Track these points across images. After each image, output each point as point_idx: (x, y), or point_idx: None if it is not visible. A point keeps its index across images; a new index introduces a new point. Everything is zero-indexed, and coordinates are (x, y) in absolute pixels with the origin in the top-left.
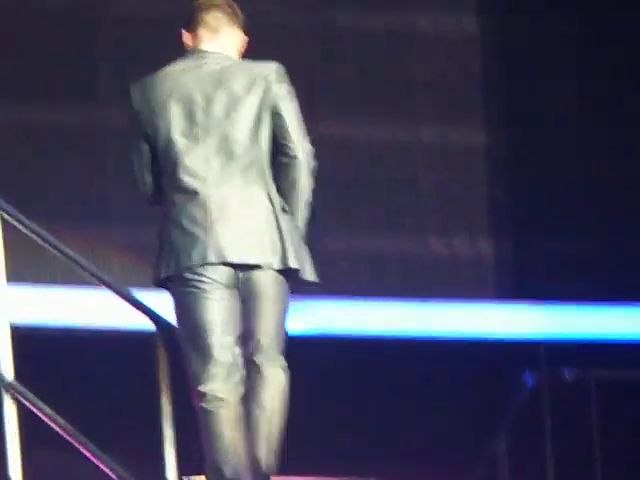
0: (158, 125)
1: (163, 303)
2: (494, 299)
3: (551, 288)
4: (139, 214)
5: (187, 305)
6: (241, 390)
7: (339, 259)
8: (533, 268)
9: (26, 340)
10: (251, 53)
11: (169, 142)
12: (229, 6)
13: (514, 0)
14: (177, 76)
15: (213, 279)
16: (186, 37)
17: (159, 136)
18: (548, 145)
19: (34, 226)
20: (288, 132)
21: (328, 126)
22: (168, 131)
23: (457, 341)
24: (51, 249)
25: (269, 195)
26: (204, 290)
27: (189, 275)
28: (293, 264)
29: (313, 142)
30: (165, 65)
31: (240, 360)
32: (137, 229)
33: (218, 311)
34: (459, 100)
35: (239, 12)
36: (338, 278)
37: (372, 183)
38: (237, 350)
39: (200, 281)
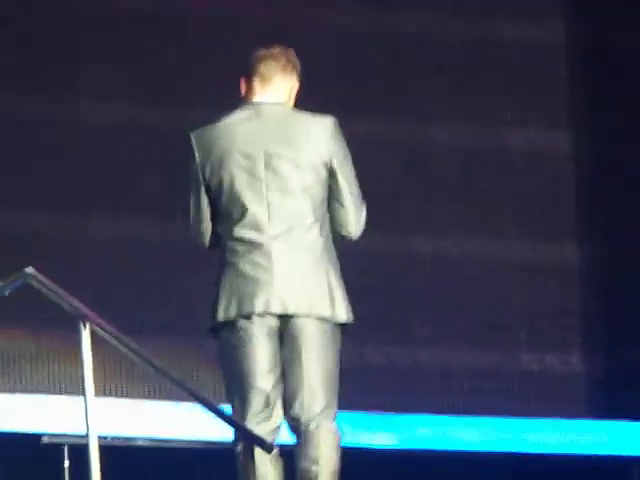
0: (222, 177)
1: None
2: (586, 416)
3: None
4: None
5: (236, 351)
6: (274, 437)
7: (430, 375)
8: (627, 384)
9: (116, 452)
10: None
11: (232, 195)
12: (284, 55)
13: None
14: (238, 128)
15: (267, 327)
16: (242, 86)
17: (222, 188)
18: None
19: (125, 339)
20: (342, 197)
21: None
22: (232, 184)
23: (551, 457)
24: (142, 363)
25: (324, 246)
26: (255, 336)
27: (246, 322)
28: (343, 315)
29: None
30: None
31: (278, 408)
32: None
33: (263, 358)
34: (551, 215)
35: (295, 61)
36: (430, 394)
37: (461, 298)
38: (275, 397)
39: (253, 328)
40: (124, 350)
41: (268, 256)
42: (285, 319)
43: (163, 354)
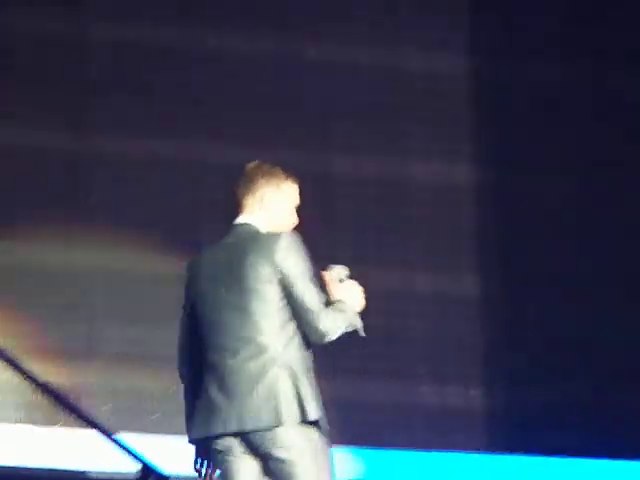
0: (195, 302)
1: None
2: (485, 450)
3: (539, 440)
4: None
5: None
6: None
7: (327, 408)
8: (525, 418)
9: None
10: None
11: (202, 318)
12: (250, 174)
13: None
14: (214, 253)
15: (233, 447)
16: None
17: (196, 312)
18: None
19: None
20: (302, 308)
21: None
22: (201, 308)
23: None
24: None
25: (287, 354)
26: (226, 460)
27: (212, 443)
28: (313, 416)
29: None
30: None
31: None
32: None
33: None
34: (453, 247)
35: (261, 175)
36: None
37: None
38: None
39: (221, 450)
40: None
41: (226, 377)
42: (255, 435)
43: None
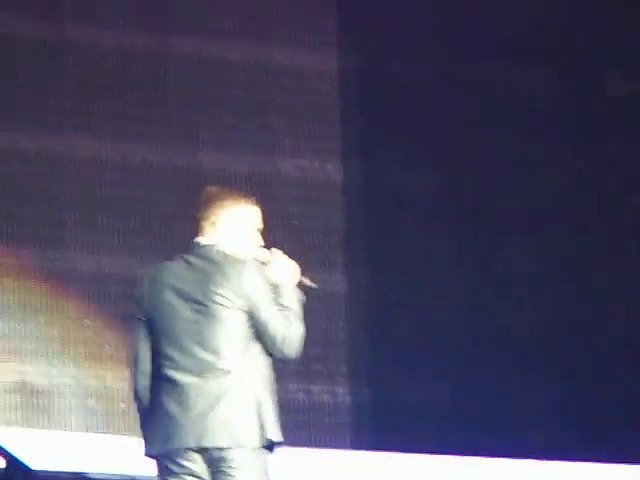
0: (155, 314)
1: None
2: (352, 448)
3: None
4: None
5: None
6: None
7: None
8: (392, 415)
9: None
10: None
11: (160, 331)
12: (205, 199)
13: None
14: (178, 268)
15: (189, 465)
16: None
17: (153, 325)
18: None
19: None
20: (267, 338)
21: None
22: (162, 321)
23: None
24: None
25: (244, 372)
26: (181, 476)
27: (167, 460)
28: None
29: None
30: None
31: None
32: None
33: None
34: (320, 243)
35: (214, 199)
36: None
37: None
38: None
39: (179, 466)
40: None
41: (184, 394)
42: (213, 452)
43: None
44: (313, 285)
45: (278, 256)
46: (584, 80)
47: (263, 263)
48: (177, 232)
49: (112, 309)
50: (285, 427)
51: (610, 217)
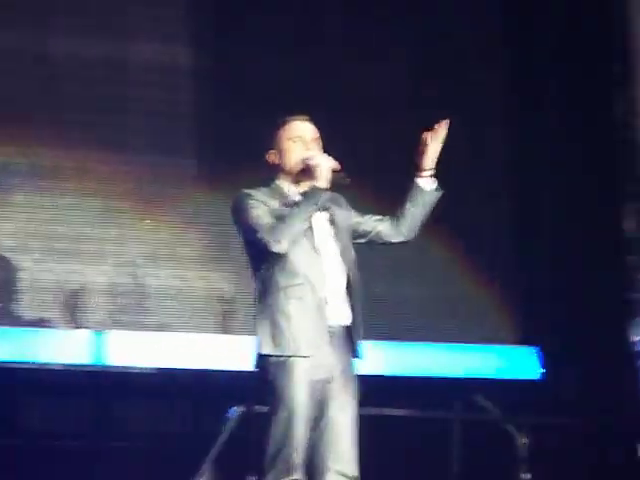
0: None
1: None
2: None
3: None
4: None
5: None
6: None
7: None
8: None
9: None
10: None
11: None
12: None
13: None
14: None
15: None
16: None
17: None
18: None
19: None
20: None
21: None
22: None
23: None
24: None
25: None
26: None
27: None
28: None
29: None
30: None
31: None
32: None
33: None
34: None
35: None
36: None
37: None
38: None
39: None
40: None
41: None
42: None
43: None
44: (346, 181)
45: (319, 158)
46: None
47: (309, 169)
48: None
49: None
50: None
51: None
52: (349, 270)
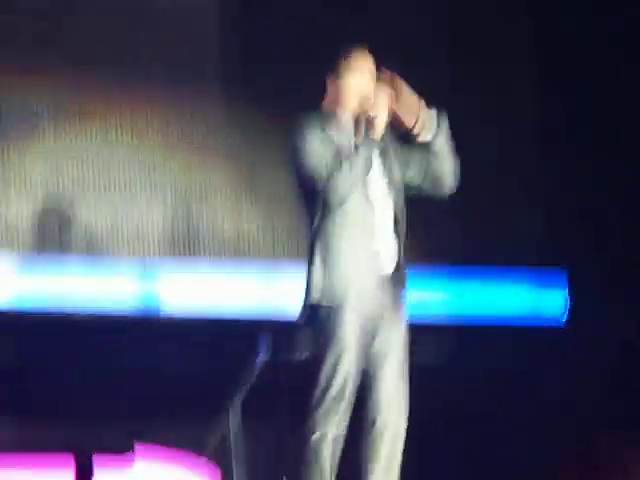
0: None
1: None
2: None
3: None
4: None
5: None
6: None
7: None
8: None
9: None
10: None
11: None
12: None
13: None
14: None
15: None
16: None
17: None
18: None
19: None
20: None
21: None
22: None
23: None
24: None
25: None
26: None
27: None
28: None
29: None
30: None
31: None
32: None
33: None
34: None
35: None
36: None
37: None
38: None
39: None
40: None
41: None
42: None
43: None
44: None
45: (379, 109)
46: None
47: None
48: None
49: None
50: None
51: None
52: (398, 214)
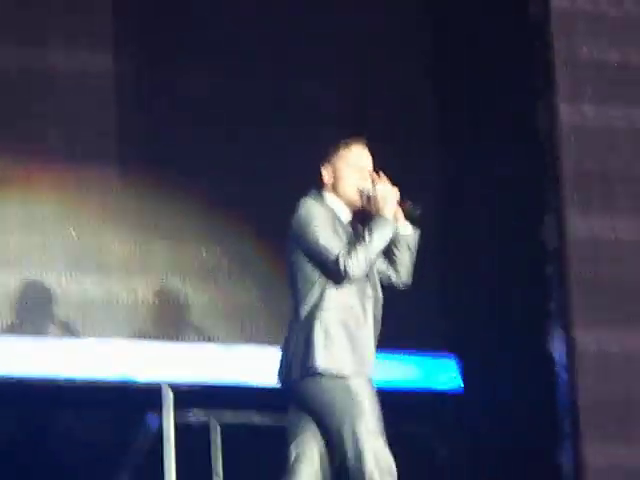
0: None
1: None
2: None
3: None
4: None
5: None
6: None
7: None
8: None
9: None
10: None
11: None
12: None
13: None
14: None
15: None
16: None
17: None
18: None
19: None
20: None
21: None
22: None
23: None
24: None
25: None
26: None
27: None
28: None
29: None
30: None
31: None
32: None
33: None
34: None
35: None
36: None
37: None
38: None
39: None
40: None
41: None
42: None
43: None
44: (417, 212)
45: (381, 187)
46: None
47: (369, 198)
48: None
49: None
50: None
51: None
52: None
